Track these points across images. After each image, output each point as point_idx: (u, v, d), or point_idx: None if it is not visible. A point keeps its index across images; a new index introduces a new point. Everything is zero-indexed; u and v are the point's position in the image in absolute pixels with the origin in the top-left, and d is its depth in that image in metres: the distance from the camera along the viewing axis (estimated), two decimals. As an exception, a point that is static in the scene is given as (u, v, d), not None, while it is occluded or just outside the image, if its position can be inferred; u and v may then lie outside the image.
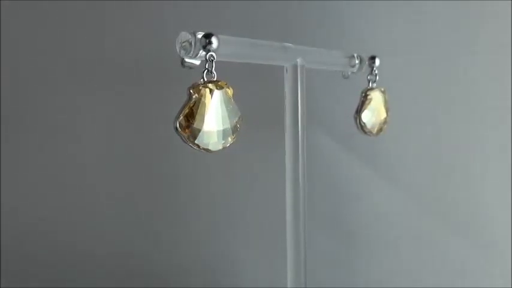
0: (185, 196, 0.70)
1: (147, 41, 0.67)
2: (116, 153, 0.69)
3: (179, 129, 0.34)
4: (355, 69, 0.52)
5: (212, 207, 0.70)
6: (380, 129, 0.55)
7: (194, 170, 0.69)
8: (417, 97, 0.68)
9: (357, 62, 0.52)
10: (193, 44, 0.35)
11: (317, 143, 0.68)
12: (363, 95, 0.53)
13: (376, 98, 0.54)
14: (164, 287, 0.69)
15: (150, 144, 0.69)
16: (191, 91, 0.34)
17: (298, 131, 0.45)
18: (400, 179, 0.69)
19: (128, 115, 0.69)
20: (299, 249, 0.46)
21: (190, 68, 0.36)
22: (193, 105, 0.34)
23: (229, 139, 0.37)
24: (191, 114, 0.34)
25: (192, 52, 0.35)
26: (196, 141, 0.34)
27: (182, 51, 0.35)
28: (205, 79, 0.35)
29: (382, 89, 0.55)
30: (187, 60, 0.36)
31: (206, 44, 0.35)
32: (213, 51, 0.35)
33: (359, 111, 0.53)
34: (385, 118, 0.55)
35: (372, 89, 0.54)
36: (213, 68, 0.35)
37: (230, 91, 0.36)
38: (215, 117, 0.35)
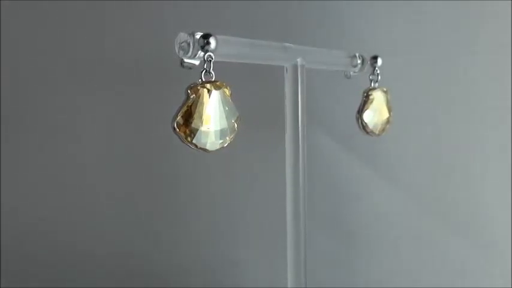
0: (185, 196, 0.70)
1: (147, 41, 0.67)
2: (116, 153, 0.69)
3: (177, 129, 0.34)
4: (357, 69, 0.52)
5: (212, 207, 0.70)
6: (382, 129, 0.55)
7: (194, 170, 0.69)
8: (417, 97, 0.68)
9: (359, 61, 0.51)
10: (191, 44, 0.35)
11: (317, 143, 0.68)
12: (365, 94, 0.53)
13: (378, 98, 0.54)
14: (164, 287, 0.69)
15: (150, 144, 0.69)
16: (189, 91, 0.34)
17: (298, 131, 0.45)
18: (400, 179, 0.69)
19: (128, 115, 0.69)
20: (299, 249, 0.46)
21: (190, 68, 0.36)
22: (191, 105, 0.34)
23: (227, 139, 0.37)
24: (189, 114, 0.34)
25: (190, 52, 0.35)
26: (193, 141, 0.35)
27: (181, 52, 0.35)
28: (203, 79, 0.35)
29: (385, 89, 0.54)
30: (186, 60, 0.36)
31: (204, 45, 0.35)
32: (211, 51, 0.35)
33: (361, 111, 0.53)
34: (388, 118, 0.55)
35: (373, 88, 0.53)
36: (211, 68, 0.35)
37: (228, 91, 0.37)
38: (213, 117, 0.35)
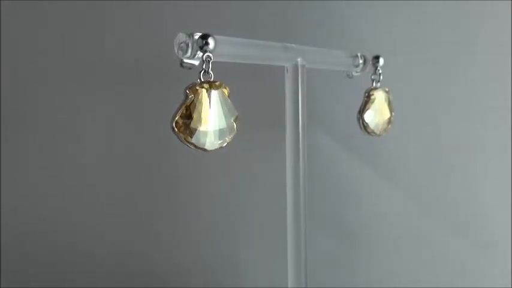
0: (185, 196, 0.70)
1: (147, 41, 0.67)
2: (116, 153, 0.69)
3: (175, 129, 0.34)
4: (359, 69, 0.52)
5: (212, 207, 0.70)
6: (383, 130, 0.55)
7: (194, 170, 0.69)
8: (417, 97, 0.68)
9: (361, 61, 0.51)
10: (190, 45, 0.35)
11: (317, 143, 0.68)
12: (366, 94, 0.53)
13: (380, 98, 0.53)
14: (164, 287, 0.69)
15: (150, 144, 0.69)
16: (188, 91, 0.35)
17: (298, 131, 0.45)
18: (400, 179, 0.69)
19: (128, 115, 0.69)
20: (299, 249, 0.46)
21: (189, 68, 0.36)
22: (189, 105, 0.34)
23: (226, 139, 0.37)
24: (188, 114, 0.34)
25: (189, 53, 0.35)
26: (192, 141, 0.35)
27: (180, 52, 0.36)
28: (202, 79, 0.35)
29: (387, 89, 0.54)
30: (185, 61, 0.36)
31: (203, 45, 0.35)
32: (209, 51, 0.35)
33: (362, 111, 0.53)
34: (389, 118, 0.55)
35: (375, 88, 0.53)
36: (210, 69, 0.35)
37: (227, 91, 0.37)
38: (211, 117, 0.35)
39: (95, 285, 0.68)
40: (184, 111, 0.34)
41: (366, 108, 0.53)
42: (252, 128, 0.63)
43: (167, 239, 0.70)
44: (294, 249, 0.46)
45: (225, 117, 0.36)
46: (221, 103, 0.36)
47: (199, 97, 0.35)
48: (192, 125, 0.35)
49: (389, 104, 0.55)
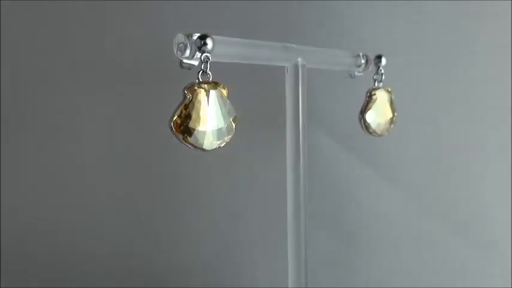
0: (185, 196, 0.70)
1: (147, 41, 0.67)
2: (116, 153, 0.69)
3: (174, 129, 0.34)
4: (361, 69, 0.52)
5: (212, 207, 0.70)
6: (385, 130, 0.54)
7: (194, 170, 0.69)
8: (417, 97, 0.68)
9: (362, 61, 0.51)
10: (188, 45, 0.35)
11: (317, 143, 0.68)
12: (368, 94, 0.53)
13: (381, 98, 0.53)
14: (164, 287, 0.69)
15: (150, 144, 0.69)
16: (186, 91, 0.35)
17: (298, 131, 0.45)
18: (400, 179, 0.69)
19: (128, 115, 0.69)
20: (300, 249, 0.46)
21: (189, 69, 0.36)
22: (188, 105, 0.35)
23: (225, 139, 0.37)
24: (186, 114, 0.35)
25: (188, 53, 0.35)
26: (191, 141, 0.35)
27: (179, 53, 0.36)
28: (200, 79, 0.35)
29: (389, 89, 0.54)
30: (185, 61, 0.36)
31: (201, 45, 0.35)
32: (208, 52, 0.35)
33: (363, 111, 0.52)
34: (391, 118, 0.54)
35: (377, 88, 0.53)
36: (208, 69, 0.35)
37: (225, 91, 0.37)
38: (210, 117, 0.35)
39: (95, 285, 0.68)
40: (182, 111, 0.34)
41: (368, 108, 0.52)
42: (252, 128, 0.63)
43: (167, 239, 0.70)
44: (294, 249, 0.46)
45: (224, 117, 0.36)
46: (219, 103, 0.36)
47: (197, 97, 0.35)
48: (191, 125, 0.35)
49: (392, 104, 0.54)
